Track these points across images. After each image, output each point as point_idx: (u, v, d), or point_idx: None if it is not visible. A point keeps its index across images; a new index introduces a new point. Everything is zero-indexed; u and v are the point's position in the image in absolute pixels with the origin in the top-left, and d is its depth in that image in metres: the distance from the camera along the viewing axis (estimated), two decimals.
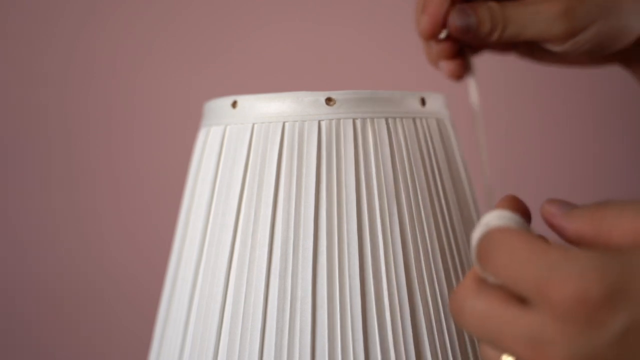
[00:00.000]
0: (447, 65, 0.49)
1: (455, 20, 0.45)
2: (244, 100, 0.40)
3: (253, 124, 0.39)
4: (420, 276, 0.38)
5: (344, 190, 0.38)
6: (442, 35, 0.47)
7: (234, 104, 0.41)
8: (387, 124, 0.39)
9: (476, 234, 0.30)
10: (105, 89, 0.81)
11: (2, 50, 0.80)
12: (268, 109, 0.39)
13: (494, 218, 0.30)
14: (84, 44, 0.81)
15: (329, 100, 0.39)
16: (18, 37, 0.80)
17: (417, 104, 0.40)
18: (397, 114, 0.40)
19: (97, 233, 0.82)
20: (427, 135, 0.41)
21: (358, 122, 0.39)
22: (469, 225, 0.42)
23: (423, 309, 0.37)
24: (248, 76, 0.82)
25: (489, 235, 0.29)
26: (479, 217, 0.45)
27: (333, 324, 0.36)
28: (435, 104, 0.42)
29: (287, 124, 0.39)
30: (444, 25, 0.46)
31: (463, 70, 0.49)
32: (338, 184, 0.38)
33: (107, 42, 0.81)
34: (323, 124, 0.38)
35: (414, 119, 0.40)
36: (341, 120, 0.38)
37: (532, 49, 0.52)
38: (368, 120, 0.39)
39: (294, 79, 0.82)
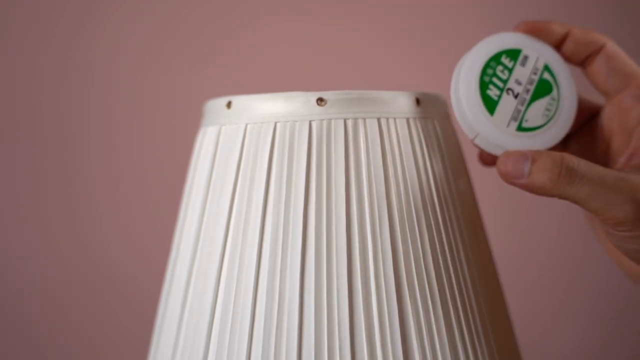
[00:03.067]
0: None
1: (505, 165, 0.38)
2: (238, 100, 0.40)
3: (246, 125, 0.39)
4: (410, 278, 0.37)
5: (333, 190, 0.38)
6: None
7: (229, 105, 0.41)
8: (379, 124, 0.39)
9: None
10: (105, 89, 0.81)
11: (2, 50, 0.80)
12: (261, 110, 0.39)
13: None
14: (84, 44, 0.81)
15: (320, 101, 0.38)
16: (18, 37, 0.80)
17: (411, 104, 0.40)
18: (390, 115, 0.39)
19: (97, 233, 0.82)
20: (422, 136, 0.40)
21: (349, 123, 0.38)
22: (466, 230, 0.42)
23: (412, 310, 0.37)
24: (248, 76, 0.82)
25: None
26: (478, 221, 0.44)
27: (320, 325, 0.36)
28: (433, 104, 0.42)
29: (278, 125, 0.39)
30: None
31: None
32: (328, 184, 0.38)
33: (107, 42, 0.81)
34: (314, 124, 0.38)
35: (407, 120, 0.40)
36: (332, 121, 0.38)
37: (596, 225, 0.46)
38: (360, 121, 0.39)
39: (297, 78, 0.82)
